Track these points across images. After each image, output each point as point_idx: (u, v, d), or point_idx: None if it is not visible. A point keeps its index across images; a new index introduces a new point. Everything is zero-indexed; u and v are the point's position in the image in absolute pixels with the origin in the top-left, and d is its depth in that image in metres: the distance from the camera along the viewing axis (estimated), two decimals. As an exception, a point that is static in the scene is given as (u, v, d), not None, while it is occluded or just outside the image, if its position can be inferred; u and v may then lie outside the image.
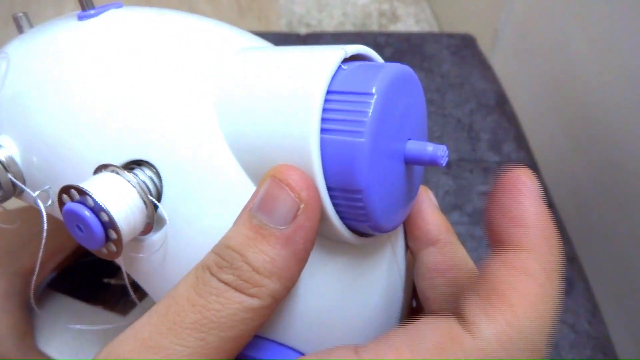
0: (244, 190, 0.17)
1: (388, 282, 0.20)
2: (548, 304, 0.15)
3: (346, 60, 0.17)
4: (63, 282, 0.32)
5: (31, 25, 0.23)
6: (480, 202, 0.52)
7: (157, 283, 0.19)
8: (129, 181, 0.17)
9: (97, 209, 0.16)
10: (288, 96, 0.16)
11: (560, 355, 0.41)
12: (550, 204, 0.52)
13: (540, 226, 0.16)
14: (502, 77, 0.66)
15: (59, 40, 0.20)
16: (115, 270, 0.33)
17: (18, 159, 0.20)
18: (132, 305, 0.31)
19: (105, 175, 0.17)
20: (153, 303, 0.33)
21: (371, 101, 0.15)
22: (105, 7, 0.21)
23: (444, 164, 0.16)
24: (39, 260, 0.20)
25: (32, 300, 0.25)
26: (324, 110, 0.16)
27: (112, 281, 0.32)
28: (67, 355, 0.29)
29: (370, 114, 0.15)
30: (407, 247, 0.22)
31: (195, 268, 0.16)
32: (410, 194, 0.19)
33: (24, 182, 0.20)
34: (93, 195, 0.16)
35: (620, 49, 0.59)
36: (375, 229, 0.17)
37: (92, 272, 0.32)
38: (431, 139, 0.40)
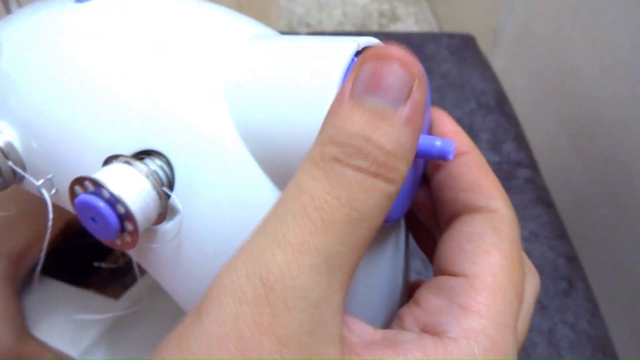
0: (253, 176, 0.17)
1: (393, 265, 0.21)
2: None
3: (359, 53, 0.17)
4: (52, 265, 0.32)
5: (20, 5, 0.22)
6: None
7: (171, 273, 0.19)
8: (141, 172, 0.16)
9: (112, 201, 0.16)
10: (302, 89, 0.16)
11: (560, 355, 0.41)
12: (550, 204, 0.51)
13: None
14: (502, 77, 0.66)
15: (57, 23, 0.19)
16: (106, 253, 0.32)
17: (17, 145, 0.19)
18: (124, 288, 0.31)
19: (117, 166, 0.17)
20: (144, 287, 0.32)
21: None
22: None
23: (451, 158, 0.17)
24: (44, 251, 0.19)
25: (36, 283, 0.25)
26: None
27: (103, 264, 0.32)
28: (58, 339, 0.28)
29: None
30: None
31: (313, 164, 0.14)
32: (415, 186, 0.19)
33: (24, 169, 0.19)
34: (108, 187, 0.16)
35: (620, 49, 0.59)
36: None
37: (81, 255, 0.32)
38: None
